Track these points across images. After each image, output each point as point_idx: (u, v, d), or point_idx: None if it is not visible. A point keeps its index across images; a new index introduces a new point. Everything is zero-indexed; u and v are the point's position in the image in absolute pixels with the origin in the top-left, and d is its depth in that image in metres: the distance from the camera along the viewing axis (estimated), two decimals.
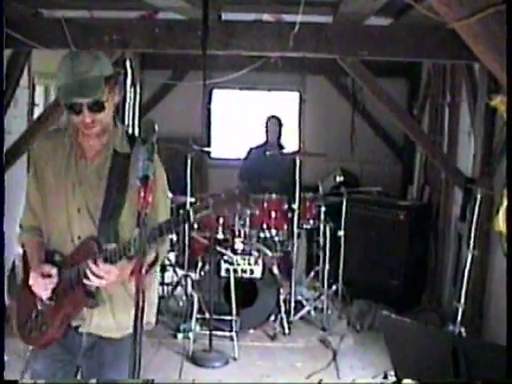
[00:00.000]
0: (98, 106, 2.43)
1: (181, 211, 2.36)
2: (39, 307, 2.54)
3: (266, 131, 6.78)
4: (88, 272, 2.38)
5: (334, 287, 5.88)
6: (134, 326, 2.01)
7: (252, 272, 5.29)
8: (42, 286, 2.46)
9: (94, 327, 2.54)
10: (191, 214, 2.29)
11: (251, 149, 6.91)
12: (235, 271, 5.20)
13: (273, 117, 6.82)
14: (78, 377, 2.63)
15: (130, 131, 2.68)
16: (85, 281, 2.42)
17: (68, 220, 2.49)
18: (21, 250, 2.60)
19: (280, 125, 6.79)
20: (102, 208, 2.47)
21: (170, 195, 5.73)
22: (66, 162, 2.52)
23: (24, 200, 2.64)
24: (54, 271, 2.46)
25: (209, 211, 2.30)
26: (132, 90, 7.68)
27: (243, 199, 2.31)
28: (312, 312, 5.75)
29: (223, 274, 5.21)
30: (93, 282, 2.40)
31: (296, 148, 7.96)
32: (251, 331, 5.36)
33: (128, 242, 2.32)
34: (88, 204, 2.49)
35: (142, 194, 2.05)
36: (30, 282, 2.47)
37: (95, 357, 2.57)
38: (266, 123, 6.80)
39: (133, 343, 1.96)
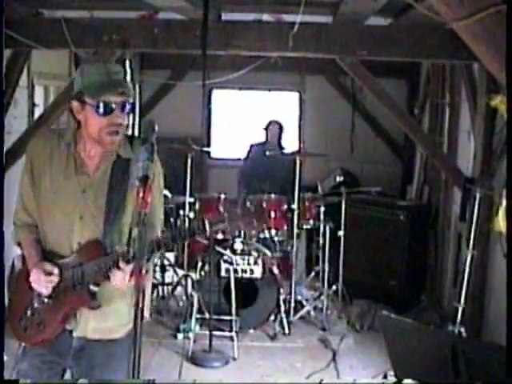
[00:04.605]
0: (129, 108, 2.39)
1: (178, 221, 2.40)
2: (35, 305, 2.52)
3: (266, 135, 6.76)
4: (114, 272, 2.34)
5: (333, 287, 5.87)
6: (134, 326, 2.01)
7: (252, 272, 5.28)
8: (43, 283, 2.44)
9: (87, 331, 2.52)
10: (207, 226, 2.29)
11: (252, 146, 6.89)
12: (235, 271, 5.19)
13: (274, 122, 6.77)
14: (68, 377, 2.61)
15: (130, 132, 2.64)
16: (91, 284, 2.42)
17: (69, 227, 2.46)
18: (19, 251, 2.59)
19: (281, 129, 6.75)
20: (105, 211, 2.44)
21: (169, 195, 5.75)
22: (63, 173, 2.45)
23: (17, 196, 2.58)
24: (56, 270, 2.44)
25: (225, 225, 2.30)
26: None
27: (259, 216, 2.31)
28: (312, 312, 5.74)
29: (223, 274, 5.20)
30: (115, 282, 2.36)
31: (296, 148, 7.95)
32: (251, 331, 5.36)
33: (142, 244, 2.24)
34: (91, 210, 2.45)
35: (141, 194, 2.05)
36: (31, 277, 2.45)
37: (85, 359, 2.54)
38: (267, 127, 6.76)
39: (133, 343, 1.96)
